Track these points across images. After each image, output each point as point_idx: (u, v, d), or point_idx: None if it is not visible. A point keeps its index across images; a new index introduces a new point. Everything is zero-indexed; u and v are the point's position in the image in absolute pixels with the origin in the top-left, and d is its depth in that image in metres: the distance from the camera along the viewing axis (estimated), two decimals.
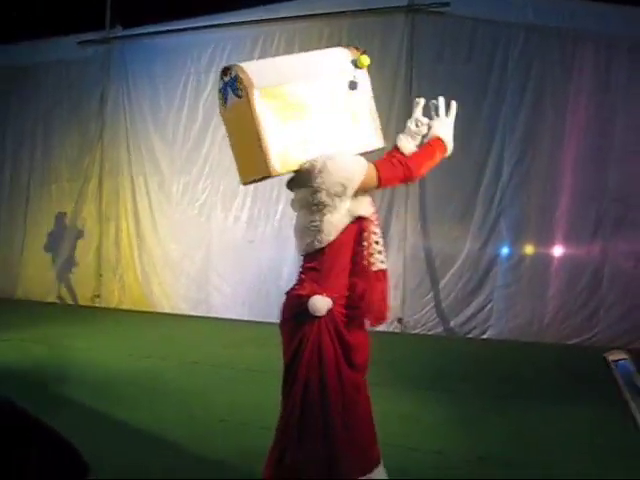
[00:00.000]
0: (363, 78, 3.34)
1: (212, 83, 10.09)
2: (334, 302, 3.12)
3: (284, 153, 3.12)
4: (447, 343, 8.32)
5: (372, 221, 3.21)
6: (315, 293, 3.11)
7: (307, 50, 9.20)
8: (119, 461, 4.24)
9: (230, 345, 7.94)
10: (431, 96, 3.44)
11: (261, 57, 9.70)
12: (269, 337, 8.41)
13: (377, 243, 3.21)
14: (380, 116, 3.45)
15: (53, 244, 11.19)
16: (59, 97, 11.17)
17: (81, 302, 10.93)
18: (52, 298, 11.05)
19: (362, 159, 3.19)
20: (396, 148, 3.25)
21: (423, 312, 8.81)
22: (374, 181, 3.16)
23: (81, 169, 11.01)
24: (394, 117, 8.26)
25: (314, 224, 3.16)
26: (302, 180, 3.22)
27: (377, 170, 3.16)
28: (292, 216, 10.54)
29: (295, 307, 3.18)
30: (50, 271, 11.17)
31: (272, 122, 3.08)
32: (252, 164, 3.19)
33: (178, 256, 10.34)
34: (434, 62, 8.78)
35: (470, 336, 8.57)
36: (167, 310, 10.25)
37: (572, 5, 8.38)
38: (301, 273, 3.25)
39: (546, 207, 8.38)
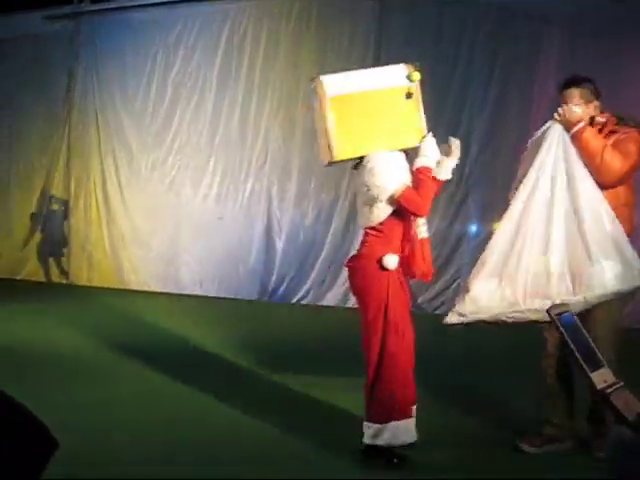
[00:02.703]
0: (416, 89, 4.01)
1: (181, 59, 10.05)
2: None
3: (345, 146, 3.94)
4: (415, 319, 8.36)
5: None
6: (385, 253, 3.88)
7: (277, 28, 9.31)
8: (86, 437, 4.26)
9: (198, 322, 7.94)
10: None
11: (230, 34, 9.74)
12: (237, 314, 8.52)
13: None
14: None
15: (23, 222, 11.10)
16: (26, 73, 11.02)
17: (52, 279, 10.90)
18: (21, 275, 10.99)
19: (403, 177, 3.91)
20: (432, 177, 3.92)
21: None
22: (397, 198, 3.86)
23: (49, 146, 10.92)
24: None
25: (366, 209, 3.97)
26: (359, 170, 4.01)
27: (404, 192, 3.85)
28: (260, 193, 10.57)
29: (368, 265, 3.95)
30: (19, 249, 11.10)
31: (338, 123, 3.91)
32: (324, 150, 4.04)
33: (147, 233, 10.32)
34: (403, 43, 8.77)
35: (438, 312, 8.64)
36: (136, 286, 10.24)
37: None
38: (365, 237, 4.03)
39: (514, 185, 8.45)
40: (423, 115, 4.01)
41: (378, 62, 8.80)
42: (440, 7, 8.76)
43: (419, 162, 3.95)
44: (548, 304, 3.49)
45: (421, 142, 3.99)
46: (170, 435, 4.41)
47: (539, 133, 4.05)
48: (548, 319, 3.55)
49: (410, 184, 3.91)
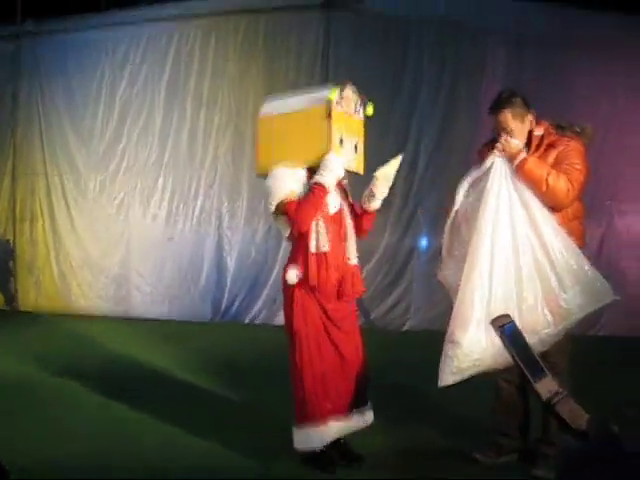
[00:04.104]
0: (332, 108, 4.05)
1: (127, 79, 9.97)
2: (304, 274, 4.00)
3: (262, 163, 4.25)
4: (367, 334, 8.36)
5: None
6: (289, 267, 4.04)
7: (224, 44, 9.29)
8: (38, 466, 4.18)
9: (151, 345, 7.85)
10: None
11: (176, 53, 9.69)
12: (189, 335, 8.45)
13: (318, 232, 4.02)
14: None
15: None
16: None
17: None
18: None
19: (290, 190, 4.01)
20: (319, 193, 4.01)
21: None
22: (283, 210, 4.03)
23: None
24: None
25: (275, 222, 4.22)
26: None
27: (287, 205, 4.00)
28: (210, 212, 10.52)
29: (282, 280, 4.12)
30: None
31: (261, 141, 4.31)
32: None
33: (97, 255, 10.18)
34: (350, 57, 8.87)
35: (390, 328, 8.67)
36: (86, 311, 10.06)
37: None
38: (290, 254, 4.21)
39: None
40: (335, 133, 4.03)
41: (326, 73, 8.89)
42: (386, 19, 8.86)
43: (315, 178, 4.03)
44: (535, 339, 3.47)
45: (322, 160, 4.03)
46: (124, 461, 4.35)
47: (481, 171, 3.96)
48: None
49: (297, 198, 4.01)
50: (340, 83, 4.12)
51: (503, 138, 3.95)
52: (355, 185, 4.40)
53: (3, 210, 10.70)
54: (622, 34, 8.04)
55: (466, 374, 3.70)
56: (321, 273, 3.99)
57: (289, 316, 4.07)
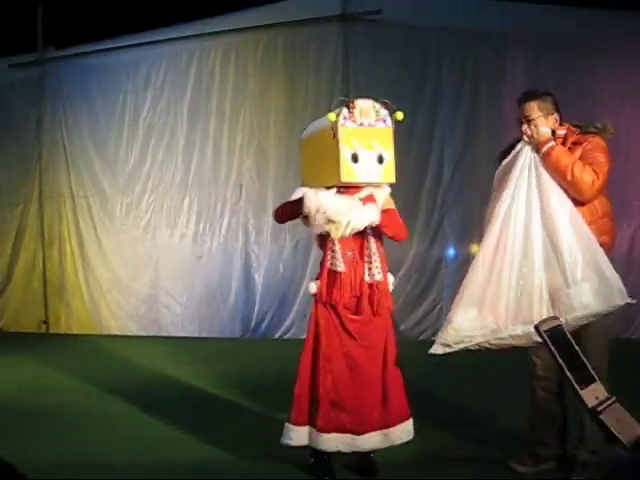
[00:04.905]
0: (335, 128, 4.04)
1: (150, 100, 10.03)
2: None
3: (306, 182, 4.31)
4: (398, 346, 8.30)
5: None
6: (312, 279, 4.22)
7: (244, 60, 9.34)
8: None
9: (183, 363, 7.85)
10: None
11: (197, 72, 9.76)
12: (220, 353, 8.44)
13: (333, 251, 4.06)
14: None
15: None
16: None
17: (27, 329, 10.71)
18: None
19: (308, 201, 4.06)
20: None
21: None
22: None
23: (20, 194, 10.81)
24: None
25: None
26: None
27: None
28: (237, 229, 10.52)
29: None
30: None
31: (303, 161, 4.49)
32: None
33: (125, 277, 10.23)
34: (370, 68, 8.86)
35: (422, 338, 8.60)
36: (116, 332, 10.10)
37: (499, 6, 8.59)
38: None
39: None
40: (346, 151, 3.98)
41: (347, 87, 8.88)
42: (405, 30, 8.87)
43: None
44: (530, 329, 3.38)
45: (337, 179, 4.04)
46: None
47: (510, 156, 4.01)
48: (532, 344, 3.59)
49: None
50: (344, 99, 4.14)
51: (528, 126, 3.99)
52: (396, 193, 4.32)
53: (31, 234, 10.77)
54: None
55: (456, 347, 3.86)
56: (333, 292, 4.05)
57: (308, 323, 4.21)
